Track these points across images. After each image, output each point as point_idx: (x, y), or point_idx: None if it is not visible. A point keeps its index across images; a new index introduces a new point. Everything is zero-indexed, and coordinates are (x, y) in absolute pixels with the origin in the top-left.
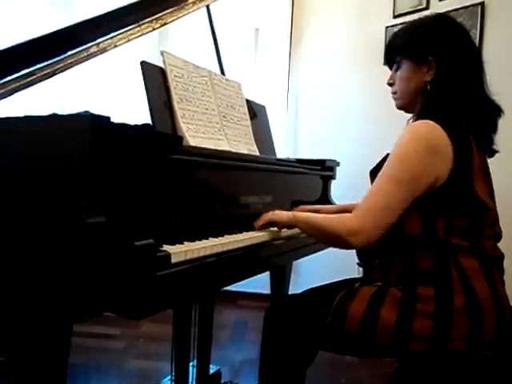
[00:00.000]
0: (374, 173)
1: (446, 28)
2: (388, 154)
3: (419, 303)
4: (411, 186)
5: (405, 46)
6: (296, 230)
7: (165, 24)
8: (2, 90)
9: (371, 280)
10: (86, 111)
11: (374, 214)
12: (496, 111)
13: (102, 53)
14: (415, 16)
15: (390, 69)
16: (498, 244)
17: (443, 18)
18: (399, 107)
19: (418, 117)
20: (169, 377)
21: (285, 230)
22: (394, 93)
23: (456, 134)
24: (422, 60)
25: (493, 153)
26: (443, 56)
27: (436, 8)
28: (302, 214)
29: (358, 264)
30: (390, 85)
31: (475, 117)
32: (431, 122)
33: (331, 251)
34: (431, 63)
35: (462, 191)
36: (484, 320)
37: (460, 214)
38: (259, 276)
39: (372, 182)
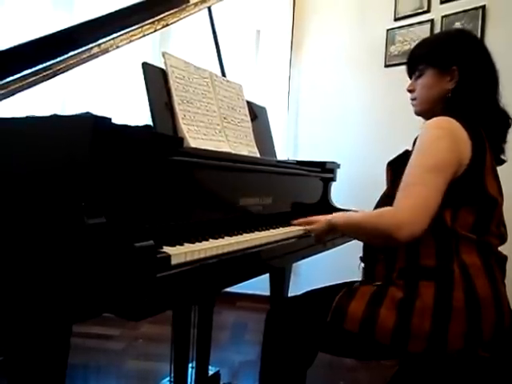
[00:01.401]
0: (393, 164)
1: (470, 41)
2: (407, 150)
3: (418, 301)
4: (445, 172)
5: (430, 54)
6: (296, 233)
7: (166, 25)
8: (4, 91)
9: (372, 277)
10: (87, 112)
11: (416, 205)
12: (507, 123)
13: (103, 54)
14: (416, 19)
15: (410, 77)
16: (502, 247)
17: (466, 32)
18: (418, 113)
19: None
20: (168, 378)
21: (285, 231)
22: (413, 99)
23: (473, 130)
24: (445, 68)
25: (501, 162)
26: (466, 67)
27: (437, 11)
28: (340, 215)
29: (360, 258)
30: (410, 91)
31: (489, 127)
32: (449, 118)
33: (331, 253)
34: (454, 72)
35: (473, 185)
36: (482, 318)
37: (466, 205)
38: (259, 278)
39: (391, 173)
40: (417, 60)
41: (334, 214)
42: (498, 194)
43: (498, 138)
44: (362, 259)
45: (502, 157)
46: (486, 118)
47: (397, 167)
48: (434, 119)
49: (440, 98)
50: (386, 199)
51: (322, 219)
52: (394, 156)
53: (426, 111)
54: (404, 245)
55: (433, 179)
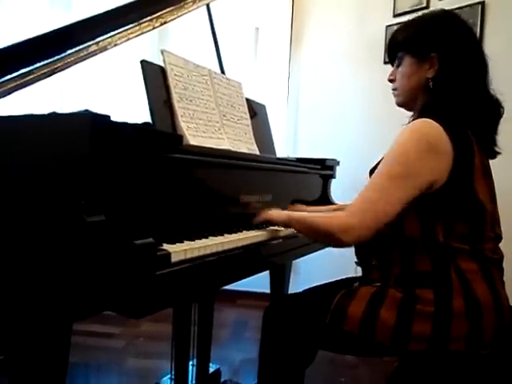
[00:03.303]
0: (373, 172)
1: (450, 24)
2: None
3: (419, 305)
4: (406, 183)
5: (406, 41)
6: (293, 231)
7: (165, 23)
8: (2, 89)
9: (370, 280)
10: (86, 110)
11: (366, 211)
12: (498, 111)
13: (101, 51)
14: (415, 15)
15: (392, 65)
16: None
17: (447, 14)
18: (399, 104)
19: (419, 115)
20: (168, 376)
21: (283, 228)
22: (394, 89)
23: (456, 134)
24: (423, 56)
25: (494, 154)
26: (447, 53)
27: (436, 7)
28: (297, 213)
29: (356, 263)
30: (391, 81)
31: (477, 116)
32: (431, 120)
33: (331, 250)
34: (433, 60)
35: (462, 193)
36: (483, 321)
37: (460, 219)
38: (259, 275)
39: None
40: (395, 47)
41: (293, 212)
42: (488, 199)
43: (488, 128)
44: (358, 264)
45: (496, 149)
46: (472, 107)
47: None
48: (416, 124)
49: (420, 88)
50: None
51: (283, 212)
52: (375, 163)
53: (407, 102)
54: (398, 252)
55: (392, 188)
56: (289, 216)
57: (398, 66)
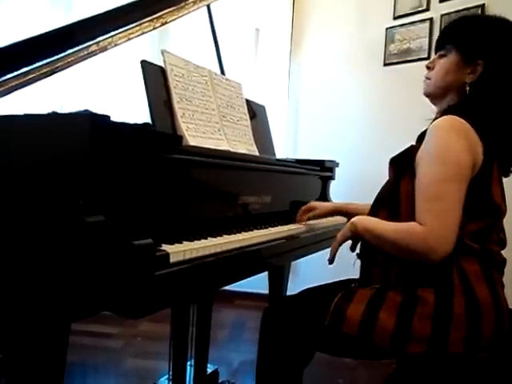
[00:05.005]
0: (395, 161)
1: (507, 36)
2: (412, 146)
3: (419, 306)
4: (466, 177)
5: (462, 36)
6: (295, 231)
7: (165, 23)
8: (2, 88)
9: (369, 280)
10: (86, 110)
11: (450, 224)
12: None
13: (101, 51)
14: (415, 17)
15: (436, 53)
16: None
17: (509, 25)
18: (426, 94)
19: (443, 113)
20: (166, 376)
21: (284, 230)
22: (428, 78)
23: (484, 134)
24: (471, 58)
25: (508, 173)
26: (494, 65)
27: (436, 10)
28: (363, 219)
29: (357, 255)
30: (429, 68)
31: (502, 134)
32: (459, 117)
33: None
34: (478, 67)
35: (480, 193)
36: (483, 323)
37: (474, 218)
38: (257, 276)
39: (393, 171)
40: (448, 36)
41: (358, 218)
42: (502, 202)
43: (510, 148)
44: (359, 256)
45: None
46: (501, 123)
47: (400, 165)
48: (445, 119)
49: (453, 88)
50: (389, 195)
51: (347, 226)
52: (397, 153)
53: (436, 96)
54: None
55: (456, 190)
56: (354, 227)
57: (441, 57)
